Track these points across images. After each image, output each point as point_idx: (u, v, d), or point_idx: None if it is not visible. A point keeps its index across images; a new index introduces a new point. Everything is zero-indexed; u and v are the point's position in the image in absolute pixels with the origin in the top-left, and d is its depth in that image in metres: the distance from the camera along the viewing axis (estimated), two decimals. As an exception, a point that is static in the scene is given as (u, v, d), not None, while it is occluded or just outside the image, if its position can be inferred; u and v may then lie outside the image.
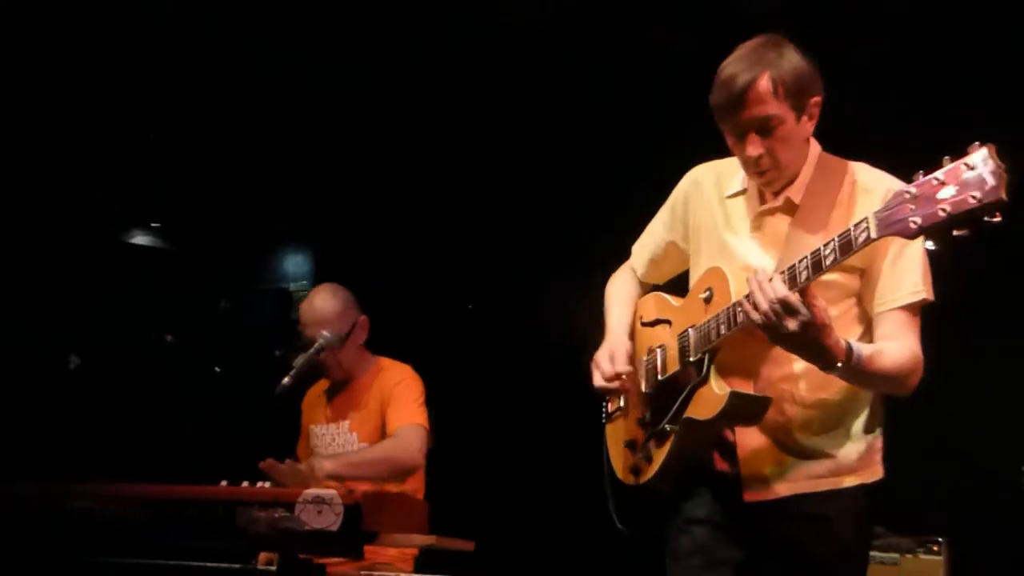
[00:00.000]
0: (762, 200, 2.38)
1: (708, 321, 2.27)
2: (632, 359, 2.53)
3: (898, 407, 2.37)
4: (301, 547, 2.42)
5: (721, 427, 2.31)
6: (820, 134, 2.38)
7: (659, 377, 2.44)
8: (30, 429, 5.08)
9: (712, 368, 2.25)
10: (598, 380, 2.51)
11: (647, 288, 2.73)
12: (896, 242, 2.12)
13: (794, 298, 2.04)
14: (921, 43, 4.19)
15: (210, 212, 6.36)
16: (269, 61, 5.26)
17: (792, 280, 2.07)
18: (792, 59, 2.25)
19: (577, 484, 3.06)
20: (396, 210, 5.74)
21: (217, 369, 6.26)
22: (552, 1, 4.59)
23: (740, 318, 2.16)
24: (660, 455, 2.38)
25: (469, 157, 5.50)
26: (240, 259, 6.62)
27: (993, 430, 4.06)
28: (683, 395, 2.30)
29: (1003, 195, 1.77)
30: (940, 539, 3.95)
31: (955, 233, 1.82)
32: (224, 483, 2.51)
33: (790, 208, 2.33)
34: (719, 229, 2.44)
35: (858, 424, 2.32)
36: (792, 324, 2.04)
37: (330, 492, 2.28)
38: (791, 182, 2.33)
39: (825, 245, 2.02)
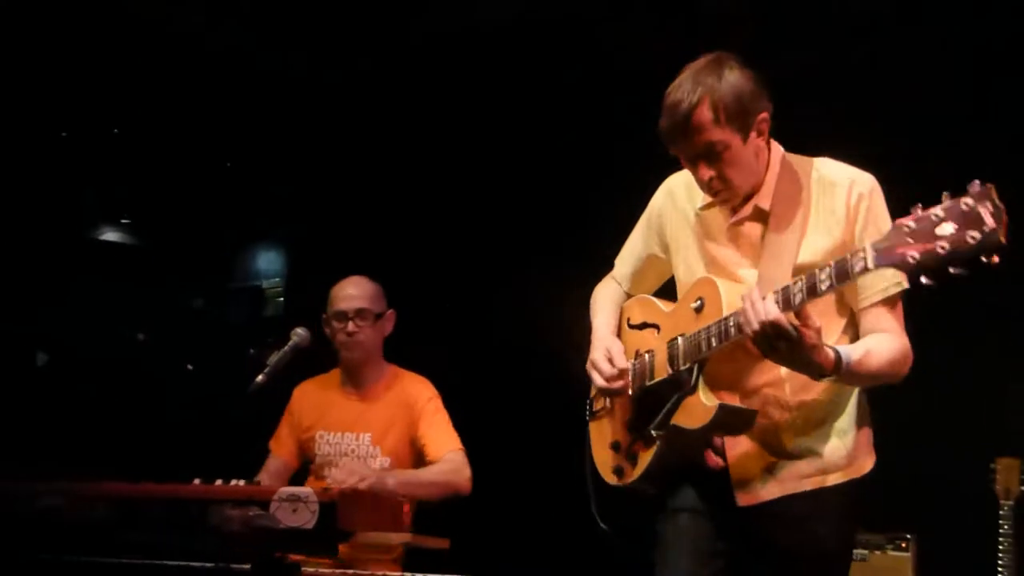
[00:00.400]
0: (733, 211, 2.38)
1: (699, 332, 2.27)
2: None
3: (869, 402, 2.39)
4: (276, 545, 2.41)
5: (709, 436, 2.31)
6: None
7: (647, 382, 2.43)
8: (-2, 427, 5.03)
9: (701, 379, 2.26)
10: (600, 382, 2.49)
11: None
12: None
13: (785, 322, 2.05)
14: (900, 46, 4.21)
15: (182, 209, 6.31)
16: (243, 58, 5.23)
17: (786, 302, 2.07)
18: (732, 80, 2.24)
19: (559, 483, 3.06)
20: (370, 209, 5.72)
21: (189, 367, 6.22)
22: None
23: (732, 333, 2.17)
24: (645, 458, 2.38)
25: (444, 156, 5.48)
26: (213, 256, 6.58)
27: (963, 426, 4.09)
28: (671, 402, 2.31)
29: (1002, 238, 1.75)
30: (909, 536, 3.98)
31: (952, 271, 1.80)
32: (197, 481, 2.48)
33: (761, 215, 2.34)
34: (699, 238, 2.45)
35: (843, 421, 2.34)
36: (782, 345, 2.07)
37: (305, 490, 2.28)
38: (756, 191, 2.34)
39: (821, 270, 2.03)
